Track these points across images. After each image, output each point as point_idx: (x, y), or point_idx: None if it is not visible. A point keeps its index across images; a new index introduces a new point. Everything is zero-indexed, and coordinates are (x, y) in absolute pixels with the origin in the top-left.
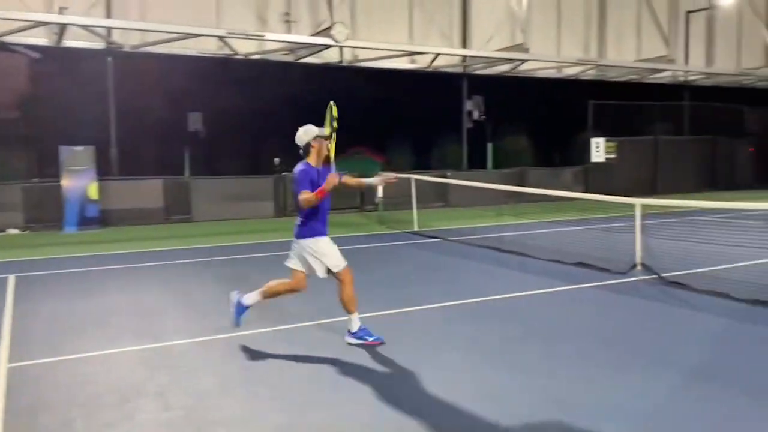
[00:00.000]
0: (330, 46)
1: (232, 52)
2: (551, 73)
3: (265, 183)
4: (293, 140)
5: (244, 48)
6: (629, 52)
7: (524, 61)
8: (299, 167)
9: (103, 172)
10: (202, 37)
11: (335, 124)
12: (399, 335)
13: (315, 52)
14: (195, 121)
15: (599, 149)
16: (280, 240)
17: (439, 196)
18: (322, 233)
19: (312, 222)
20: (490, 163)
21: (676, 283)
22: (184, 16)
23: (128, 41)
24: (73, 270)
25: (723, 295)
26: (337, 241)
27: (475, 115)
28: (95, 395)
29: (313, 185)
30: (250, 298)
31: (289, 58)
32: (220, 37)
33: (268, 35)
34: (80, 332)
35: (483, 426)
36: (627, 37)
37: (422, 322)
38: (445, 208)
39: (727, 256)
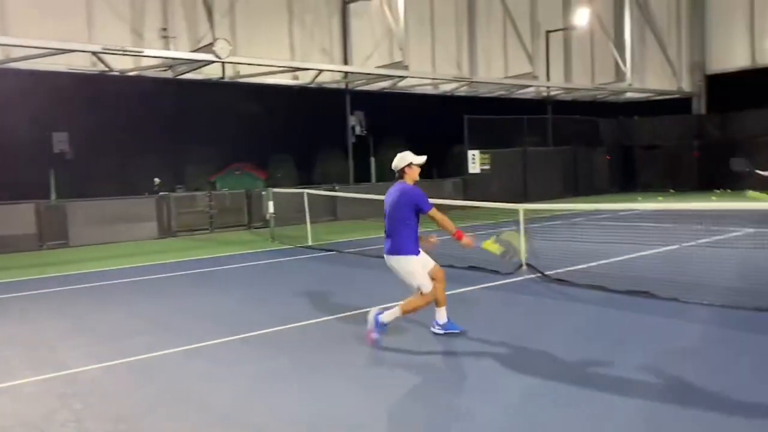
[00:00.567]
0: (213, 62)
1: (106, 69)
2: (428, 90)
3: (147, 203)
4: (171, 159)
5: (119, 64)
6: (498, 69)
7: (403, 77)
8: (404, 189)
9: None
10: (73, 53)
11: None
12: (347, 336)
13: (196, 69)
14: (60, 141)
15: (475, 161)
16: (166, 262)
17: (328, 211)
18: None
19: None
20: (373, 176)
21: (558, 280)
22: (54, 31)
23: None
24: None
25: (600, 288)
26: (231, 259)
27: (357, 130)
28: (7, 428)
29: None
30: (392, 314)
31: (168, 75)
32: (95, 53)
33: (148, 51)
34: None
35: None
36: (495, 56)
37: (314, 335)
38: (334, 222)
39: (601, 254)
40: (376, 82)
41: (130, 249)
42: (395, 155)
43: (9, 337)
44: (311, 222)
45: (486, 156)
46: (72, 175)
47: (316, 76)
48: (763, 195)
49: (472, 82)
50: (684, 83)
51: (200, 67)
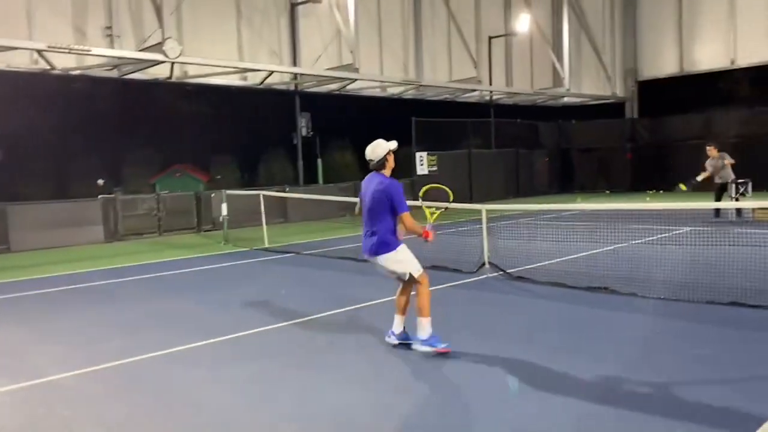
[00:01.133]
0: (162, 62)
1: (48, 68)
2: (376, 92)
3: (93, 206)
4: (110, 161)
5: (62, 63)
6: (443, 73)
7: (354, 80)
8: (384, 181)
9: None
10: (10, 51)
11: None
12: (335, 335)
13: (143, 69)
14: None
15: (423, 162)
16: (117, 266)
17: (279, 213)
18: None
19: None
20: (320, 178)
21: (520, 278)
22: None
23: None
24: None
25: (561, 285)
26: (187, 262)
27: (304, 131)
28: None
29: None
30: (424, 329)
31: (113, 74)
32: (40, 51)
33: (96, 50)
34: None
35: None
36: (440, 60)
37: (326, 328)
38: (285, 224)
39: (556, 252)
40: (326, 84)
41: (76, 254)
42: (342, 157)
43: None
44: (256, 225)
45: (433, 158)
46: (2, 177)
47: (267, 77)
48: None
49: (421, 85)
50: (618, 89)
51: (147, 67)
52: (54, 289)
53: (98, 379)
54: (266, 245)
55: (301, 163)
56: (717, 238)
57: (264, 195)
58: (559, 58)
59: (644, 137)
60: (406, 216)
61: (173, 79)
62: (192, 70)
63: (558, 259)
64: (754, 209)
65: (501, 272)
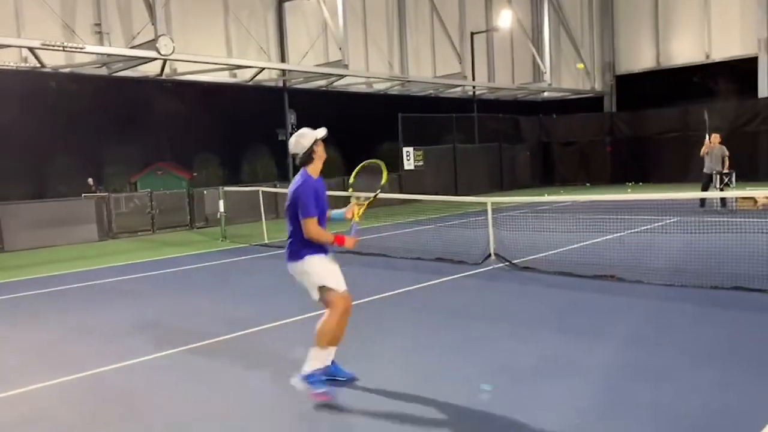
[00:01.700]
0: (154, 59)
1: (38, 66)
2: (362, 88)
3: (86, 205)
4: (90, 159)
5: (52, 61)
6: (427, 69)
7: (343, 76)
8: (298, 180)
9: None
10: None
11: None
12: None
13: (133, 66)
14: None
15: (409, 157)
16: (115, 264)
17: (271, 209)
18: (319, 251)
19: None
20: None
21: (526, 268)
22: None
23: None
24: None
25: (567, 274)
26: (183, 260)
27: (289, 128)
28: (69, 427)
29: (317, 203)
30: (311, 363)
31: (102, 72)
32: (32, 49)
33: (89, 47)
34: None
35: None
36: (424, 56)
37: (283, 337)
38: (276, 220)
39: (557, 243)
40: (313, 80)
41: (72, 252)
42: (329, 153)
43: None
44: (255, 220)
45: (419, 153)
46: None
47: (256, 74)
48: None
49: (408, 81)
50: (596, 83)
51: (138, 65)
52: (56, 288)
53: (153, 369)
54: (265, 241)
55: (290, 159)
56: (707, 226)
57: (263, 191)
58: (540, 53)
59: (623, 131)
60: (307, 223)
61: (163, 77)
62: (181, 68)
63: (560, 249)
64: (737, 198)
65: (507, 263)
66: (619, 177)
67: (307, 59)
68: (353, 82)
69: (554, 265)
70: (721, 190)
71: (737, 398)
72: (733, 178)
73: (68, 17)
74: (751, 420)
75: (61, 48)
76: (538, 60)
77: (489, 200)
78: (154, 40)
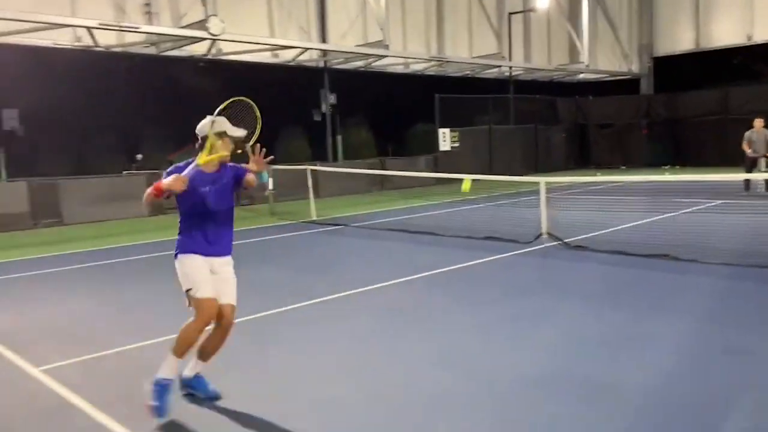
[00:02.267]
0: (204, 39)
1: (92, 45)
2: (399, 69)
3: (138, 181)
4: (128, 137)
5: (104, 40)
6: (463, 49)
7: (383, 56)
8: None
9: None
10: (57, 29)
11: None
12: (397, 303)
13: (181, 46)
14: (10, 119)
15: (445, 139)
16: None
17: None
18: (193, 250)
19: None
20: (340, 154)
21: (579, 247)
22: (38, 6)
23: None
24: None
25: (621, 252)
26: (242, 234)
27: (324, 108)
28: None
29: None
30: (166, 369)
31: (151, 51)
32: (90, 29)
33: (144, 27)
34: (76, 336)
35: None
36: (461, 36)
37: (392, 297)
38: (316, 199)
39: (605, 222)
40: (352, 61)
41: (129, 226)
42: (358, 134)
43: (133, 301)
44: (298, 198)
45: (455, 134)
46: (24, 153)
47: (299, 55)
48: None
49: (446, 61)
50: (633, 65)
51: (187, 45)
52: (141, 257)
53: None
54: (313, 218)
55: (330, 139)
56: (756, 209)
57: (311, 169)
58: (577, 34)
59: (660, 113)
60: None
61: (208, 56)
62: (226, 48)
63: (611, 229)
64: None
65: (559, 242)
66: (655, 160)
67: (346, 40)
68: (391, 62)
69: (607, 244)
70: None
71: None
72: None
73: None
74: None
75: (117, 28)
76: (576, 41)
77: (542, 179)
78: (204, 20)
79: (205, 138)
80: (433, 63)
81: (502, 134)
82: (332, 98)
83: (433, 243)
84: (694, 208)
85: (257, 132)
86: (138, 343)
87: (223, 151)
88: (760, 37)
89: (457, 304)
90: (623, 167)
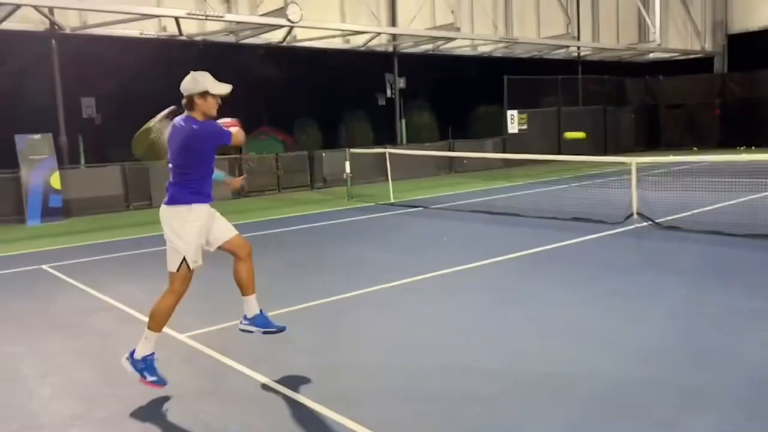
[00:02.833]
0: (284, 26)
1: (176, 34)
2: (467, 51)
3: (219, 166)
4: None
5: (186, 29)
6: (531, 30)
7: (453, 39)
8: (192, 124)
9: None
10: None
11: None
12: (512, 276)
13: (260, 33)
14: (88, 107)
15: (513, 121)
16: (261, 219)
17: (380, 171)
18: (202, 201)
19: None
20: (404, 138)
21: (671, 227)
22: None
23: (68, 23)
24: (132, 252)
25: (717, 233)
26: (328, 215)
27: (389, 92)
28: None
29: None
30: (147, 346)
31: (230, 39)
32: (177, 18)
33: (228, 16)
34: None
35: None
36: (528, 16)
37: (493, 275)
38: (386, 182)
39: (696, 203)
40: (422, 44)
41: (217, 208)
42: (420, 118)
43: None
44: (366, 182)
45: (524, 116)
46: (100, 139)
47: (370, 40)
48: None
49: (516, 42)
50: (707, 43)
51: (265, 32)
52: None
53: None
54: (392, 200)
55: (401, 122)
56: None
57: (390, 152)
58: (648, 11)
59: (734, 92)
60: (235, 136)
61: (284, 44)
62: (300, 34)
63: (702, 209)
64: None
65: (650, 222)
66: (728, 140)
67: (414, 24)
68: (458, 45)
69: (699, 224)
70: None
71: None
72: None
73: None
74: None
75: (204, 17)
76: (647, 18)
77: (633, 160)
78: (283, 7)
79: (191, 97)
80: (500, 45)
81: (570, 116)
82: (401, 82)
83: (519, 224)
84: None
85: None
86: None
87: (211, 110)
88: None
89: (559, 282)
90: (695, 148)
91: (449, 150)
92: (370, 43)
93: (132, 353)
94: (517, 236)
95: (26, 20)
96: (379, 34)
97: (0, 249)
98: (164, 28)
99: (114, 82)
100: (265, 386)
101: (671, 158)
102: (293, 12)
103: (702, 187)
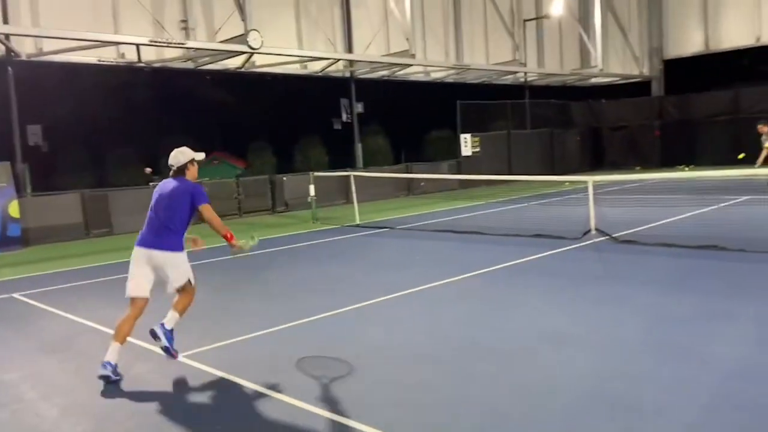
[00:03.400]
0: (245, 52)
1: (134, 60)
2: (420, 77)
3: None
4: (148, 150)
5: (144, 56)
6: (480, 56)
7: (409, 65)
8: (184, 182)
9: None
10: (99, 45)
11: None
12: (479, 292)
13: (220, 60)
14: (34, 134)
15: (467, 144)
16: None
17: (341, 194)
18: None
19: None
20: (360, 161)
21: (628, 241)
22: (82, 24)
23: (24, 49)
24: (102, 279)
25: (671, 245)
26: (293, 239)
27: (344, 117)
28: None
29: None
30: (170, 321)
31: (189, 66)
32: (138, 45)
33: (190, 43)
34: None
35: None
36: (478, 44)
37: (472, 288)
38: (346, 204)
39: (647, 218)
40: (378, 70)
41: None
42: (377, 141)
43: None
44: (328, 204)
45: (476, 139)
46: (46, 167)
47: (328, 66)
48: None
49: (468, 69)
50: (644, 68)
51: (224, 59)
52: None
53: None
54: (357, 222)
55: (359, 146)
56: None
57: (354, 176)
58: (590, 38)
59: (672, 114)
60: (209, 207)
61: (243, 69)
62: (259, 60)
63: (653, 224)
64: None
65: (608, 236)
66: (668, 160)
67: (369, 50)
68: (413, 71)
69: (653, 238)
70: None
71: None
72: None
73: (158, 15)
74: None
75: (165, 44)
76: (589, 45)
77: (590, 179)
78: (243, 34)
79: (185, 166)
80: (452, 71)
81: (519, 139)
82: (359, 107)
83: (485, 241)
84: (722, 204)
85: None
86: (252, 333)
87: (196, 173)
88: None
89: (539, 293)
90: (637, 168)
91: (407, 172)
92: (329, 69)
93: (162, 324)
94: (485, 253)
95: None
96: (337, 60)
97: None
98: (122, 55)
99: (63, 109)
100: (272, 400)
101: (625, 176)
102: (254, 39)
103: (652, 203)
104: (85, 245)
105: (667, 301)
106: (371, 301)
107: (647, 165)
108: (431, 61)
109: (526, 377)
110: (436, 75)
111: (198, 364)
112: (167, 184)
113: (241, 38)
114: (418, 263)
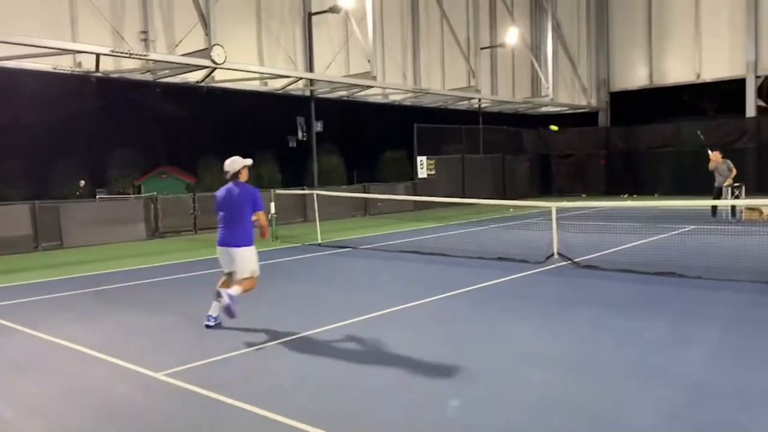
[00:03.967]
0: (208, 67)
1: (91, 70)
2: (378, 99)
3: (135, 205)
4: (93, 161)
5: (102, 66)
6: (437, 82)
7: (370, 87)
8: (245, 186)
9: None
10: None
11: None
12: (427, 320)
13: (180, 73)
14: None
15: (423, 166)
16: (187, 260)
17: (298, 212)
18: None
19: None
20: (315, 179)
21: (589, 266)
22: (37, 30)
23: None
24: (60, 294)
25: (630, 270)
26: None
27: (301, 135)
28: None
29: None
30: (236, 290)
31: (148, 78)
32: (98, 55)
33: (153, 55)
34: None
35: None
36: (434, 70)
37: (445, 310)
38: (304, 223)
39: (606, 244)
40: (337, 91)
41: (131, 250)
42: (331, 160)
43: (169, 321)
44: (285, 223)
45: (432, 162)
46: None
47: (290, 84)
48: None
49: (427, 93)
50: (592, 99)
51: (185, 73)
52: (160, 278)
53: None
54: (319, 241)
55: (316, 164)
56: (727, 233)
57: (317, 194)
58: (541, 68)
59: (617, 145)
60: (261, 214)
61: (203, 84)
62: (219, 75)
63: (611, 250)
64: (743, 209)
65: (569, 261)
66: (612, 189)
67: (330, 70)
68: (372, 93)
69: (612, 263)
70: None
71: None
72: (743, 191)
73: (118, 25)
74: None
75: (127, 55)
76: (541, 75)
77: (554, 204)
78: (206, 49)
79: (239, 171)
80: (409, 94)
81: (473, 163)
82: (319, 125)
83: (450, 263)
84: (672, 233)
85: None
86: (232, 352)
87: (246, 176)
88: (707, 75)
89: (508, 315)
90: (583, 195)
91: (364, 192)
92: (289, 87)
93: (228, 292)
94: (451, 275)
95: None
96: (299, 79)
97: None
98: (79, 64)
99: (2, 117)
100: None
101: (587, 203)
102: (218, 54)
103: (609, 230)
104: (35, 258)
105: (637, 326)
106: (347, 321)
107: (592, 192)
108: (390, 84)
109: (511, 396)
110: (394, 97)
111: (180, 382)
112: (233, 189)
113: (204, 52)
114: (387, 283)
